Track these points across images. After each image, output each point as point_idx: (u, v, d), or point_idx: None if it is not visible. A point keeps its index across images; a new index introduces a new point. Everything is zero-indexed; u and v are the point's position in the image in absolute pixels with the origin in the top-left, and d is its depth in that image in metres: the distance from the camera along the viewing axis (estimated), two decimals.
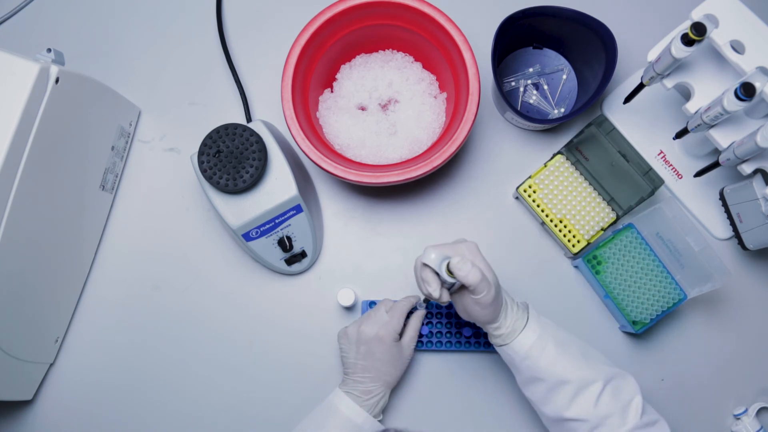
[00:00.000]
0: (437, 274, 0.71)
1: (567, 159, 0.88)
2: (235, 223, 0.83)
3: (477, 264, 0.70)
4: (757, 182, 0.79)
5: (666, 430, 0.72)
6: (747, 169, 0.76)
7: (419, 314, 0.86)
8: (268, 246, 0.86)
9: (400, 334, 0.84)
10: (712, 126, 0.76)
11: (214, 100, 0.97)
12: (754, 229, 0.82)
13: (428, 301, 0.86)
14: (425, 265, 0.71)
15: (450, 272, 0.70)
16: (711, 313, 0.91)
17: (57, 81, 0.74)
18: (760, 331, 0.91)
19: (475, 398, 0.89)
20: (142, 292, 0.93)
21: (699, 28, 0.69)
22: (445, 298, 0.73)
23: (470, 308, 0.73)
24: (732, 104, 0.69)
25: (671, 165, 0.91)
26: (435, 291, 0.71)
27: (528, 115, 0.93)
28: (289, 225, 0.86)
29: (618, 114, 0.93)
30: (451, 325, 0.89)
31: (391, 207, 0.94)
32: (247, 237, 0.85)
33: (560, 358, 0.73)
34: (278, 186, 0.84)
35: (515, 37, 0.91)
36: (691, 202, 0.91)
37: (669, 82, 0.78)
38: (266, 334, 0.91)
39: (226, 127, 0.82)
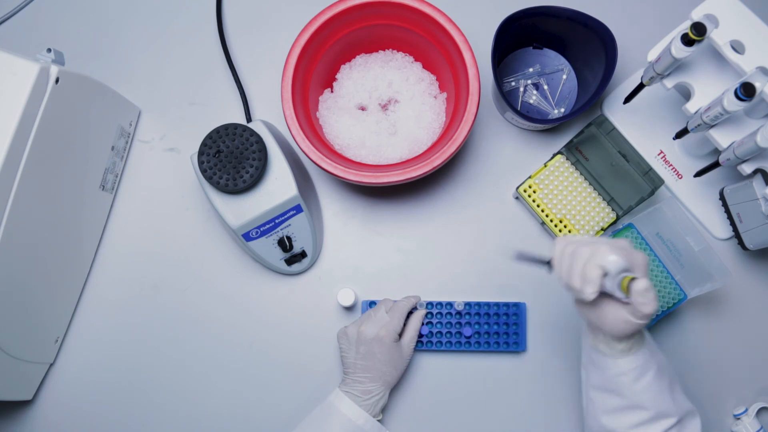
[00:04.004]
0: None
1: (567, 159, 0.88)
2: (235, 223, 0.83)
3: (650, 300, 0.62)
4: (757, 182, 0.79)
5: None
6: (747, 169, 0.76)
7: (419, 314, 0.87)
8: (268, 246, 0.86)
9: (400, 335, 0.84)
10: (712, 126, 0.76)
11: (214, 100, 0.97)
12: (754, 229, 0.82)
13: (428, 302, 0.86)
14: (600, 266, 0.62)
15: (625, 289, 0.61)
16: (711, 313, 0.91)
17: (57, 81, 0.74)
18: (760, 331, 0.91)
19: (474, 398, 0.89)
20: (142, 293, 0.93)
21: (699, 28, 0.69)
22: (591, 298, 0.63)
23: (615, 322, 0.65)
24: (732, 104, 0.69)
25: (671, 165, 0.91)
26: (591, 294, 0.62)
27: (528, 115, 0.93)
28: (289, 225, 0.86)
29: (618, 114, 0.93)
30: (451, 325, 0.89)
31: (391, 207, 0.94)
32: (247, 237, 0.85)
33: (653, 387, 0.68)
34: (278, 186, 0.84)
35: (515, 37, 0.91)
36: (691, 202, 0.91)
37: (669, 82, 0.78)
38: (266, 334, 0.91)
39: (226, 127, 0.82)
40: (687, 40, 0.70)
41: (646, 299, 0.61)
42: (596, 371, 0.71)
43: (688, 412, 0.71)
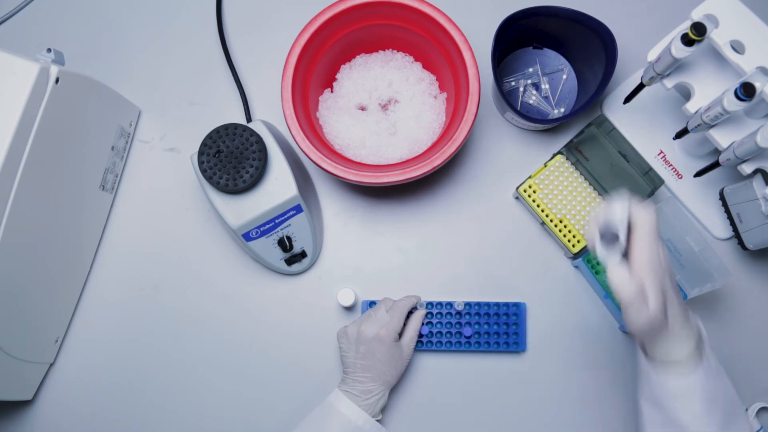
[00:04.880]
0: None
1: (567, 159, 0.88)
2: (235, 223, 0.83)
3: (643, 267, 0.57)
4: (757, 182, 0.79)
5: None
6: (747, 169, 0.76)
7: (419, 314, 0.87)
8: (268, 246, 0.86)
9: (400, 334, 0.84)
10: (712, 126, 0.76)
11: (214, 100, 0.97)
12: (754, 229, 0.82)
13: (428, 302, 0.85)
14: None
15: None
16: (711, 313, 0.91)
17: (57, 81, 0.74)
18: (760, 331, 0.91)
19: (474, 398, 0.89)
20: (142, 293, 0.93)
21: (699, 28, 0.69)
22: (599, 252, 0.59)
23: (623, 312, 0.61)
24: (732, 104, 0.69)
25: (671, 165, 0.91)
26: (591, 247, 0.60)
27: (528, 115, 0.93)
28: (289, 225, 0.86)
29: (618, 114, 0.93)
30: (451, 325, 0.89)
31: (391, 207, 0.94)
32: (247, 237, 0.85)
33: (700, 416, 0.63)
34: (278, 186, 0.84)
35: (515, 37, 0.91)
36: (691, 202, 0.91)
37: (669, 82, 0.78)
38: (266, 334, 0.91)
39: (226, 127, 0.82)
40: (687, 40, 0.70)
41: (614, 283, 0.57)
42: (645, 383, 0.68)
43: None
